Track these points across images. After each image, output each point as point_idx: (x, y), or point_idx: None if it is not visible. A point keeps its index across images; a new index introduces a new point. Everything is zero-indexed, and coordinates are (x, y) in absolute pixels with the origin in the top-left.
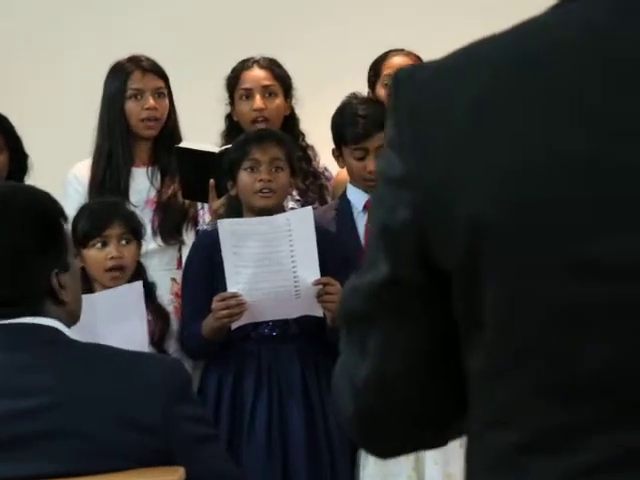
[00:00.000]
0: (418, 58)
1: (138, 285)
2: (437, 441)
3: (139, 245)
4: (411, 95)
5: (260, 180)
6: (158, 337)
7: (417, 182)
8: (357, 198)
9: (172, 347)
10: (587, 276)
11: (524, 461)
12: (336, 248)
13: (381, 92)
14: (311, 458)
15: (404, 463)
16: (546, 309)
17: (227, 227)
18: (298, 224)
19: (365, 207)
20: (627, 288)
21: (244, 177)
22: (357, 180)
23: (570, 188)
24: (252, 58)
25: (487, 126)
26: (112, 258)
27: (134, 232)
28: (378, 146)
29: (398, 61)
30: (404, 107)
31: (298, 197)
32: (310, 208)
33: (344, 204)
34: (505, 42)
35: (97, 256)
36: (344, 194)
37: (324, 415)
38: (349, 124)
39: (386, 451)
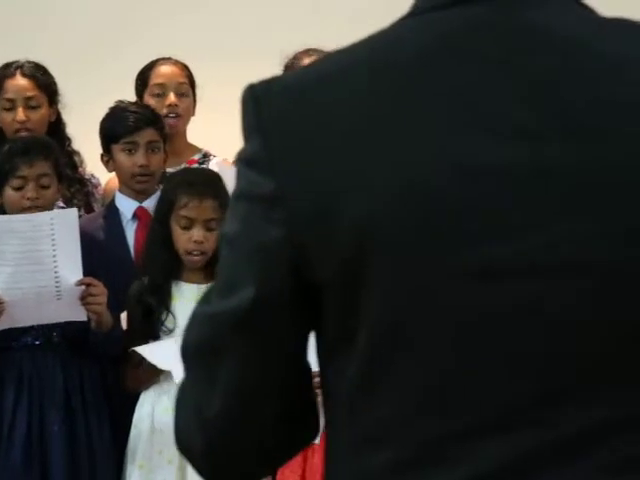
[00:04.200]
0: (186, 67)
1: None
2: (282, 462)
3: None
4: (279, 109)
5: (27, 198)
6: None
7: (292, 197)
8: (126, 206)
9: None
10: (477, 279)
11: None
12: (103, 255)
13: (150, 101)
14: (71, 470)
15: (168, 469)
16: (432, 315)
17: None
18: (61, 224)
19: (135, 215)
20: (518, 290)
21: (10, 194)
22: (127, 179)
23: (459, 192)
24: (16, 63)
25: (367, 135)
26: None
27: None
28: (148, 141)
29: (165, 70)
30: (272, 123)
31: (63, 204)
32: (75, 209)
33: (112, 212)
34: (371, 51)
35: None
36: (112, 202)
37: (86, 426)
38: (120, 119)
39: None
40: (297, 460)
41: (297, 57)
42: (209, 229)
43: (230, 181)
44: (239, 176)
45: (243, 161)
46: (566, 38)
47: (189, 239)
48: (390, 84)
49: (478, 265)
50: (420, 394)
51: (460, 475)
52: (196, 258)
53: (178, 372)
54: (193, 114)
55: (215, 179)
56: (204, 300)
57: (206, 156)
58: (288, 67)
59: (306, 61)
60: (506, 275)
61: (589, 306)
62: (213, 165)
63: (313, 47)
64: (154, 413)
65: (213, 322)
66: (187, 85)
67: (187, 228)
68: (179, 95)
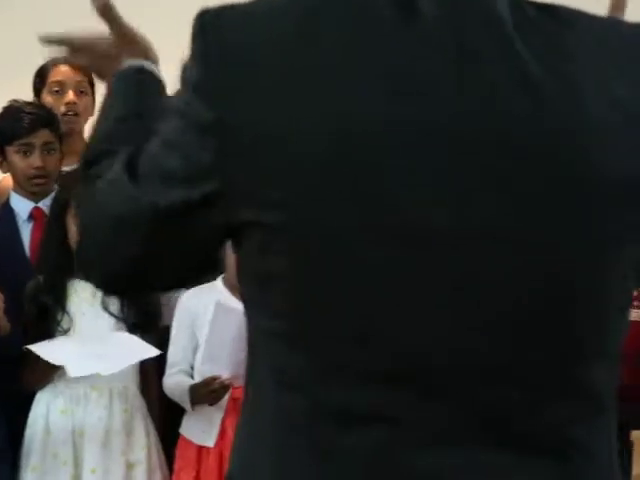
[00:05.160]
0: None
1: None
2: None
3: None
4: (225, 40)
5: None
6: None
7: (228, 129)
8: (21, 207)
9: None
10: (383, 241)
11: (312, 431)
12: None
13: (47, 99)
14: None
15: (62, 470)
16: (338, 270)
17: None
18: None
19: (30, 216)
20: (423, 254)
21: None
22: (22, 181)
23: (378, 154)
24: None
25: (308, 81)
26: None
27: None
28: (44, 142)
29: (64, 68)
30: (217, 54)
31: None
32: None
33: (7, 213)
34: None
35: None
36: (7, 202)
37: None
38: (14, 120)
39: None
40: (191, 462)
41: None
42: None
43: None
44: (182, 91)
45: (187, 81)
46: (489, 11)
47: None
48: (340, 29)
49: (402, 227)
50: (339, 349)
51: (371, 432)
52: None
53: (72, 367)
54: (92, 114)
55: None
56: (128, 166)
57: None
58: None
59: None
60: (427, 240)
61: (505, 275)
62: None
63: None
64: (49, 414)
65: (135, 204)
66: (86, 83)
67: None
68: (78, 93)
